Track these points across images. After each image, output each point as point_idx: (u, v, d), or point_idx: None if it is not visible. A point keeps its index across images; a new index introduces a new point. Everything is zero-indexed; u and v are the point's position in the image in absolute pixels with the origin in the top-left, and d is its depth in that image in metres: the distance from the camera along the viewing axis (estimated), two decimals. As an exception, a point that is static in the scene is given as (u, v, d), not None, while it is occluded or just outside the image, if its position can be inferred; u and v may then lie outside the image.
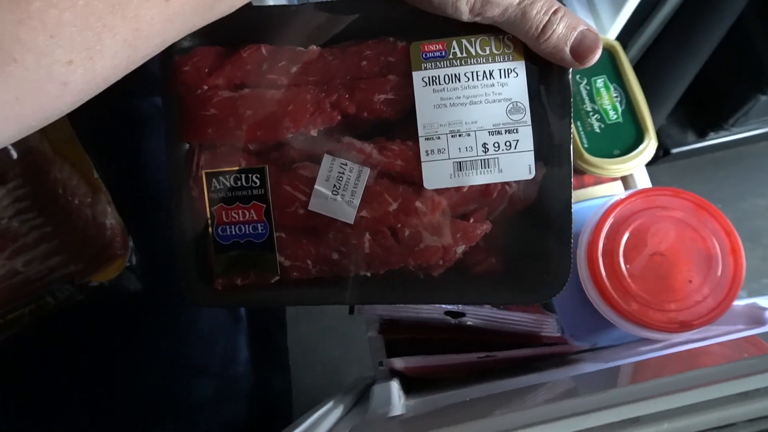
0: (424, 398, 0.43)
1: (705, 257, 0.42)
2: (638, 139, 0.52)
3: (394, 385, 0.42)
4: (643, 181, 0.55)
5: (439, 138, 0.29)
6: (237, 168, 0.30)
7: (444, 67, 0.29)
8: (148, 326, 0.47)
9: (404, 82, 0.29)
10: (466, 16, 0.28)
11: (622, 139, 0.52)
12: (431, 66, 0.29)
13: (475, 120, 0.29)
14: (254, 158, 0.30)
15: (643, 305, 0.41)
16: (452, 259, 0.30)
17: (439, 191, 0.30)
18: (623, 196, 0.43)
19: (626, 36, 0.64)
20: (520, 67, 0.29)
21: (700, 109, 1.00)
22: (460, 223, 0.30)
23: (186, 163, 0.30)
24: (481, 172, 0.29)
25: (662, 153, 1.04)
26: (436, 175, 0.29)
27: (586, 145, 0.52)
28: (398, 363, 0.46)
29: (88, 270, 0.41)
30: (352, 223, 0.30)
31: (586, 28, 0.28)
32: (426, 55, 0.29)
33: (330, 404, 0.41)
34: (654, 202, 0.43)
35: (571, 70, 0.29)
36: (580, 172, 0.56)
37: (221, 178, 0.30)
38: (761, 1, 0.63)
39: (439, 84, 0.29)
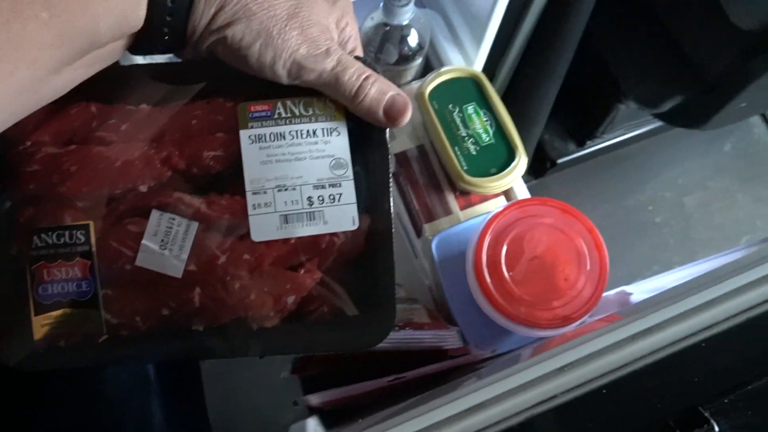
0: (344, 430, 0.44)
1: (575, 255, 0.46)
2: (510, 156, 0.57)
3: (310, 423, 0.43)
4: (521, 192, 0.61)
5: (265, 192, 0.31)
6: (60, 224, 0.30)
7: (269, 126, 0.31)
8: (51, 397, 0.45)
9: (232, 139, 0.31)
10: (284, 79, 0.30)
11: (496, 158, 0.57)
12: (257, 125, 0.31)
13: (301, 175, 0.31)
14: (82, 214, 0.30)
15: (530, 307, 0.45)
16: (285, 309, 0.31)
17: (268, 243, 0.31)
18: (498, 211, 0.48)
19: (492, 66, 0.70)
20: (341, 126, 0.32)
21: (574, 121, 1.10)
22: (290, 274, 0.31)
23: (6, 219, 0.30)
24: (307, 224, 0.31)
25: (549, 164, 1.13)
26: (263, 227, 0.31)
27: (465, 167, 0.56)
28: (314, 399, 0.47)
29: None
30: (180, 277, 0.30)
31: (396, 93, 0.32)
32: (252, 114, 0.31)
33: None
34: (526, 212, 0.48)
35: (387, 129, 0.32)
36: (465, 192, 0.60)
37: (44, 234, 0.30)
38: (603, 21, 0.72)
39: (265, 142, 0.31)
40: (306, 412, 0.49)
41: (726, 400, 0.20)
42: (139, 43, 0.30)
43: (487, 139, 0.58)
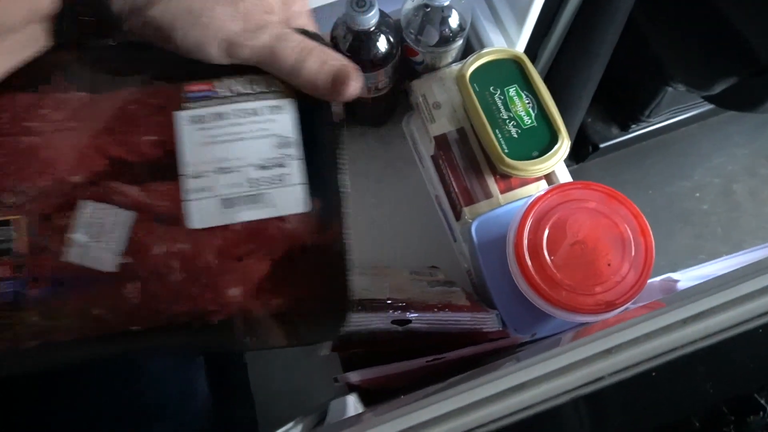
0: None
1: (619, 241, 0.45)
2: (553, 139, 0.56)
3: (350, 399, 0.43)
4: (563, 176, 0.60)
5: (205, 176, 0.29)
6: None
7: (209, 106, 0.29)
8: (98, 371, 0.47)
9: (168, 122, 0.29)
10: (217, 59, 0.28)
11: (538, 141, 0.57)
12: (196, 106, 0.29)
13: (243, 156, 0.29)
14: (7, 210, 0.28)
15: (571, 292, 0.45)
16: (230, 303, 0.29)
17: (210, 231, 0.29)
18: (540, 194, 0.47)
19: (534, 47, 0.69)
20: (289, 103, 0.30)
21: (619, 105, 1.07)
22: (235, 264, 0.29)
23: None
24: (251, 208, 0.29)
25: (591, 149, 1.10)
26: (203, 213, 0.29)
27: (506, 151, 0.56)
28: (353, 377, 0.48)
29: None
30: (114, 271, 0.28)
31: (339, 63, 0.29)
32: (190, 95, 0.30)
33: (290, 425, 0.42)
34: (569, 196, 0.47)
35: (334, 103, 0.30)
36: (505, 176, 0.59)
37: None
38: (648, 3, 0.69)
39: (205, 123, 0.29)
40: (345, 389, 0.50)
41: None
42: (60, 27, 0.28)
43: (529, 121, 0.57)
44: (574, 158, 1.17)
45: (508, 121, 0.57)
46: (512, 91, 0.59)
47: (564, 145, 0.56)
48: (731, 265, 0.45)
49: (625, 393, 0.19)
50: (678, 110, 1.05)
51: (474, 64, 0.59)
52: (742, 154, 1.24)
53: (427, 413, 0.21)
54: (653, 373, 0.18)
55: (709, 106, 1.08)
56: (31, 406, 0.46)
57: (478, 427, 0.19)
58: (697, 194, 1.20)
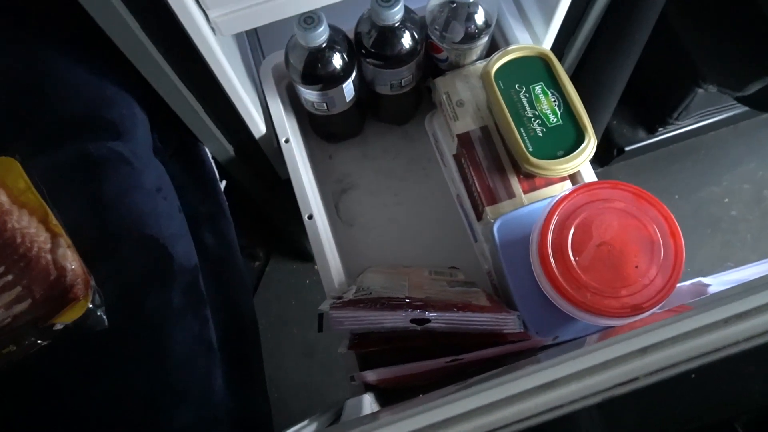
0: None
1: (648, 243, 0.44)
2: (579, 138, 0.55)
3: (366, 398, 0.43)
4: (589, 176, 0.58)
5: None
6: None
7: None
8: (121, 357, 0.47)
9: None
10: None
11: (563, 140, 0.55)
12: None
13: None
14: None
15: (597, 294, 0.43)
16: None
17: None
18: (566, 193, 0.46)
19: (561, 45, 0.67)
20: None
21: (646, 107, 1.04)
22: None
23: None
24: None
25: (616, 152, 1.08)
26: None
27: (531, 149, 0.55)
28: (370, 376, 0.47)
29: (51, 313, 0.42)
30: None
31: None
32: None
33: (305, 423, 0.41)
34: (596, 196, 0.46)
35: None
36: (530, 175, 0.58)
37: None
38: (681, 1, 0.67)
39: None
40: (362, 388, 0.49)
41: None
42: None
43: (555, 120, 0.56)
44: (598, 162, 1.14)
45: (533, 119, 0.56)
46: (538, 89, 0.58)
47: (591, 145, 0.54)
48: (764, 270, 0.43)
49: (660, 394, 0.18)
50: (708, 113, 1.03)
51: (500, 60, 0.58)
52: (775, 160, 1.21)
53: (449, 410, 0.20)
54: (692, 375, 0.17)
55: (740, 109, 1.05)
56: (63, 386, 0.47)
57: (503, 427, 0.18)
58: (726, 200, 1.17)
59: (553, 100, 0.57)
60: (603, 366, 0.18)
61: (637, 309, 0.42)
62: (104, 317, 0.44)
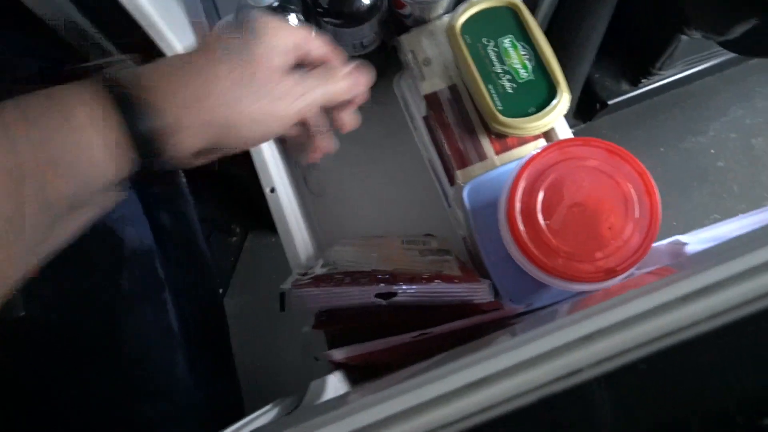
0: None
1: (622, 201, 0.41)
2: (551, 94, 0.52)
3: (331, 380, 0.41)
4: (564, 134, 0.55)
5: None
6: None
7: None
8: (72, 354, 0.45)
9: None
10: None
11: (535, 96, 0.52)
12: None
13: None
14: None
15: (569, 259, 0.41)
16: None
17: None
18: (535, 153, 0.43)
19: (532, -7, 0.63)
20: None
21: (628, 58, 1.00)
22: None
23: None
24: None
25: (599, 106, 1.04)
26: None
27: (500, 107, 0.51)
28: (337, 354, 0.45)
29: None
30: None
31: None
32: None
33: (268, 407, 0.39)
34: (568, 154, 0.43)
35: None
36: (501, 135, 0.55)
37: None
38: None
39: None
40: (332, 367, 0.47)
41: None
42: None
43: (526, 75, 0.53)
44: (581, 117, 1.11)
45: (502, 75, 0.53)
46: (507, 42, 0.54)
47: (563, 100, 0.51)
48: (747, 225, 0.40)
49: (607, 387, 0.15)
50: (692, 61, 0.99)
51: (465, 13, 0.54)
52: (763, 106, 1.17)
53: (381, 411, 0.18)
54: (642, 365, 0.15)
55: (726, 56, 1.01)
56: (18, 405, 0.44)
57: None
58: (713, 151, 1.14)
59: (523, 53, 0.54)
60: (539, 359, 0.16)
61: (610, 273, 0.40)
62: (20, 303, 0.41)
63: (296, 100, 0.33)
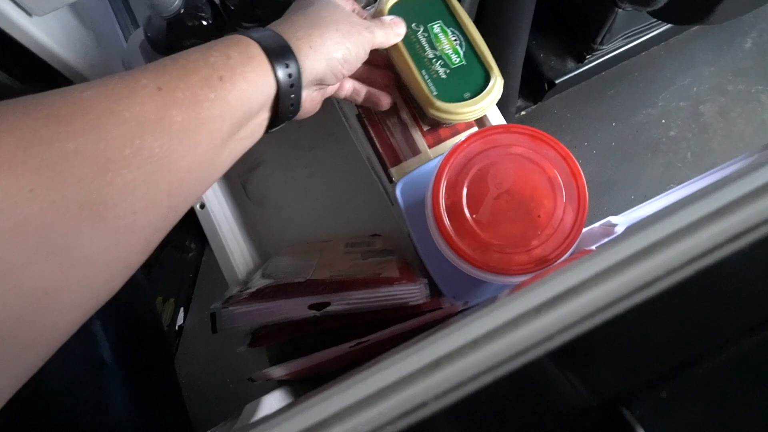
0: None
1: (549, 186, 0.40)
2: (486, 78, 0.50)
3: (267, 399, 0.39)
4: (497, 120, 0.54)
5: None
6: None
7: None
8: None
9: None
10: None
11: (469, 81, 0.50)
12: None
13: None
14: None
15: (500, 252, 0.40)
16: None
17: None
18: (456, 144, 0.41)
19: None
20: None
21: (570, 35, 1.00)
22: None
23: None
24: None
25: (547, 86, 1.04)
26: None
27: (435, 93, 0.50)
28: (277, 372, 0.43)
29: None
30: None
31: None
32: None
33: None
34: (491, 143, 0.42)
35: None
36: (433, 128, 0.53)
37: None
38: None
39: None
40: (275, 385, 0.46)
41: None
42: (275, 116, 0.38)
43: (458, 60, 0.51)
44: (531, 98, 1.10)
45: (434, 60, 0.51)
46: (437, 28, 0.52)
47: (497, 85, 0.50)
48: (670, 202, 0.40)
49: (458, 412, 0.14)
50: (633, 34, 0.99)
51: None
52: (709, 73, 1.18)
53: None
54: (480, 394, 0.13)
55: (667, 26, 1.02)
56: None
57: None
58: (663, 121, 1.15)
59: (453, 38, 0.52)
60: (385, 393, 0.14)
61: (543, 261, 0.39)
62: None
63: (365, 29, 0.44)
